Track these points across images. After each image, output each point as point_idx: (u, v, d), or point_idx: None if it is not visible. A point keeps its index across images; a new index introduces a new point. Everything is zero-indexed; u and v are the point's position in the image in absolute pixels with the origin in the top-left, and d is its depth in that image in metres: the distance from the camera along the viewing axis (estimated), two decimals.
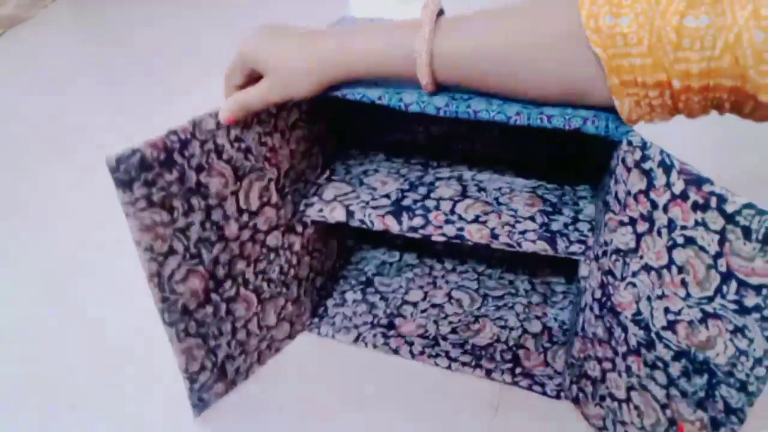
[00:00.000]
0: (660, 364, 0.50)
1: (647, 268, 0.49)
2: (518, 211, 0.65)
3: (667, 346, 0.49)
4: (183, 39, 1.69)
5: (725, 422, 0.47)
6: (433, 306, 0.79)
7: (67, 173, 1.11)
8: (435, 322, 0.76)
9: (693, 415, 0.49)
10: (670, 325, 0.48)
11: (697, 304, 0.45)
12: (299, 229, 0.69)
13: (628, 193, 0.49)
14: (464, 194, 0.68)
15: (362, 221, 0.66)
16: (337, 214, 0.66)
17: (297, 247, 0.69)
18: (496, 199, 0.67)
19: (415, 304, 0.79)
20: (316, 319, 0.77)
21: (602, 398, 0.60)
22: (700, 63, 0.43)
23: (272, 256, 0.66)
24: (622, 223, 0.51)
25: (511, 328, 0.75)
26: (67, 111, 1.33)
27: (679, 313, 0.47)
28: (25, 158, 1.17)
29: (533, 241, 0.61)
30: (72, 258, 0.91)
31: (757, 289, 0.40)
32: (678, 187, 0.44)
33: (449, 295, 0.80)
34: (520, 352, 0.72)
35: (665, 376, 0.50)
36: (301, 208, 0.68)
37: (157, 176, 0.51)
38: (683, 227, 0.44)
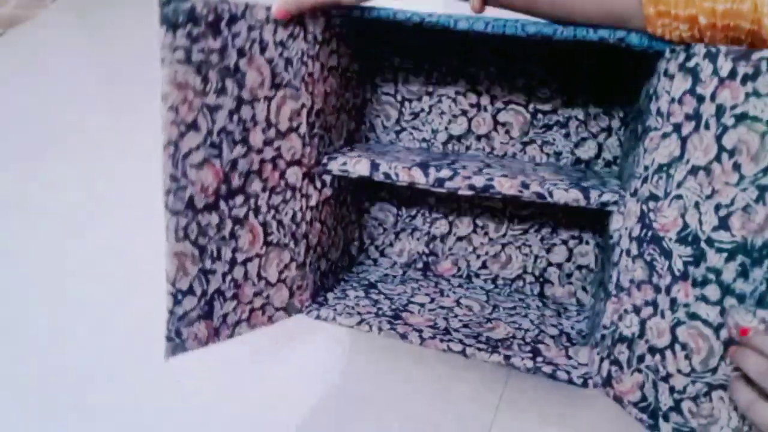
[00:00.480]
0: (711, 275, 0.47)
1: (694, 171, 0.48)
2: (546, 178, 0.64)
3: (719, 250, 0.46)
4: None
5: None
6: (442, 307, 0.73)
7: (67, 172, 1.10)
8: (445, 318, 0.70)
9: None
10: (723, 223, 0.46)
11: (752, 183, 0.44)
12: (318, 184, 0.66)
13: (672, 100, 0.50)
14: (489, 167, 0.68)
15: (387, 174, 0.64)
16: (361, 167, 0.65)
17: (312, 202, 0.66)
18: (522, 170, 0.67)
19: (422, 305, 0.73)
20: (315, 305, 0.70)
21: (640, 359, 0.54)
22: (725, 3, 0.47)
23: (288, 194, 0.63)
24: (665, 136, 0.51)
25: (527, 330, 0.69)
26: (66, 111, 1.33)
27: (732, 203, 0.46)
28: (25, 157, 1.16)
29: (566, 190, 0.60)
30: (71, 255, 0.89)
31: None
32: (726, 69, 0.46)
33: (458, 302, 0.75)
34: (540, 346, 0.66)
35: (718, 288, 0.47)
36: (324, 161, 0.66)
37: (201, 35, 0.51)
38: (733, 107, 0.45)
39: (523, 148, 0.76)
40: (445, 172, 0.63)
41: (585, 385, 0.60)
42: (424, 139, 0.79)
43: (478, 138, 0.77)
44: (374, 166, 0.65)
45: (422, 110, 0.79)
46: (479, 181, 0.62)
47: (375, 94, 0.79)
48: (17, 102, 1.41)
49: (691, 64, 0.49)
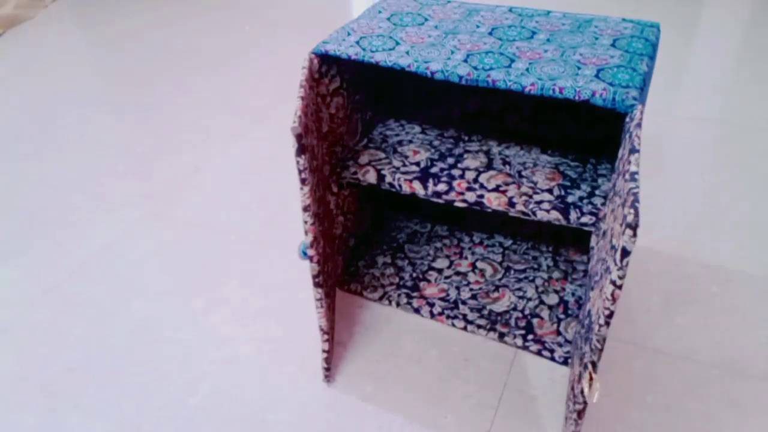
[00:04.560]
0: None
1: None
2: (538, 184, 0.68)
3: None
4: (181, 38, 1.71)
5: None
6: (457, 273, 0.83)
7: (67, 172, 1.14)
8: (457, 288, 0.81)
9: None
10: None
11: None
12: (334, 189, 0.75)
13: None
14: (489, 166, 0.72)
15: (391, 184, 0.71)
16: (369, 177, 0.72)
17: (332, 205, 0.75)
18: (519, 172, 0.71)
19: (440, 271, 0.84)
20: (346, 277, 0.83)
21: None
22: None
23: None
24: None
25: (529, 299, 0.79)
26: (66, 110, 1.36)
27: None
28: (25, 157, 1.19)
29: (547, 211, 0.65)
30: (71, 255, 0.93)
31: None
32: None
33: (474, 265, 0.84)
34: (534, 320, 0.76)
35: None
36: (338, 169, 0.74)
37: None
38: None
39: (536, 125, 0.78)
40: (441, 187, 0.69)
41: (565, 363, 0.71)
42: (439, 115, 0.83)
43: (491, 116, 0.80)
44: (380, 177, 0.72)
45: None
46: (471, 197, 0.67)
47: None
48: (17, 102, 1.41)
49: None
